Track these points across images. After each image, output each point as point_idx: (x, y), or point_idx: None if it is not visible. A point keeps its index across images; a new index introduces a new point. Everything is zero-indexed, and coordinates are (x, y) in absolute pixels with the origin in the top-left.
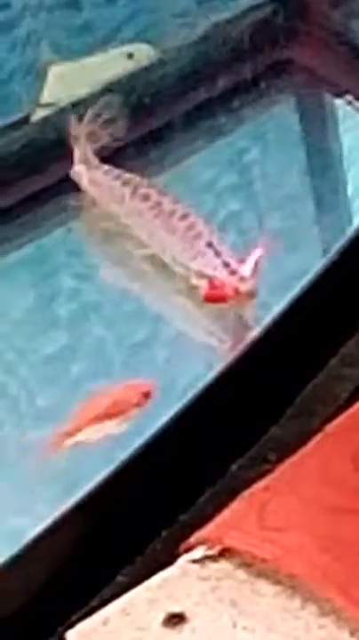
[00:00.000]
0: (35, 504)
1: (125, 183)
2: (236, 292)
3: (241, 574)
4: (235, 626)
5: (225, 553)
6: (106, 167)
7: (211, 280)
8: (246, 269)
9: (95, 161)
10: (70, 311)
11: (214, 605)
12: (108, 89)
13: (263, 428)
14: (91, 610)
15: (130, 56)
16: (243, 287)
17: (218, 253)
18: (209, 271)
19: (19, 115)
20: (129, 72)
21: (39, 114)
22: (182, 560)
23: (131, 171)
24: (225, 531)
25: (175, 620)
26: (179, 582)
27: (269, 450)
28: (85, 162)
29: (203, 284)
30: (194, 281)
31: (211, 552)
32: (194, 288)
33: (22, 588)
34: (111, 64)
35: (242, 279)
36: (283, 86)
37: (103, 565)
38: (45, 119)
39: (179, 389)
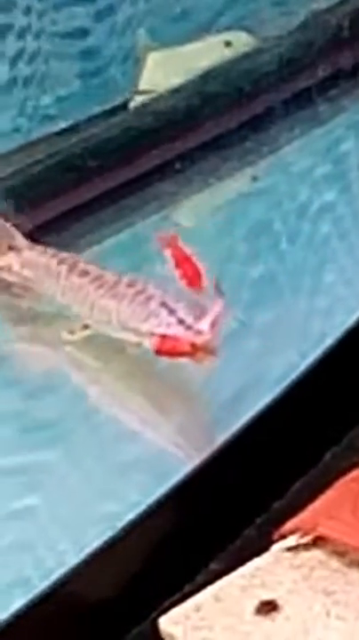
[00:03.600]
0: (130, 489)
1: (61, 262)
2: (193, 346)
3: (334, 563)
4: (328, 614)
5: (318, 541)
6: (39, 247)
7: (162, 334)
8: (204, 324)
9: (26, 243)
10: None
11: (307, 594)
12: (206, 76)
13: (357, 417)
14: (184, 596)
15: (228, 44)
16: (200, 340)
17: (172, 311)
18: (162, 329)
19: (118, 101)
20: (226, 60)
21: (137, 100)
22: (275, 548)
23: (229, 159)
24: (319, 519)
25: (268, 607)
26: (272, 570)
27: None
28: (13, 248)
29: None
30: (146, 343)
31: (304, 540)
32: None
33: (116, 573)
34: (209, 51)
35: (198, 332)
36: None
37: (196, 552)
38: (143, 106)
39: (271, 380)
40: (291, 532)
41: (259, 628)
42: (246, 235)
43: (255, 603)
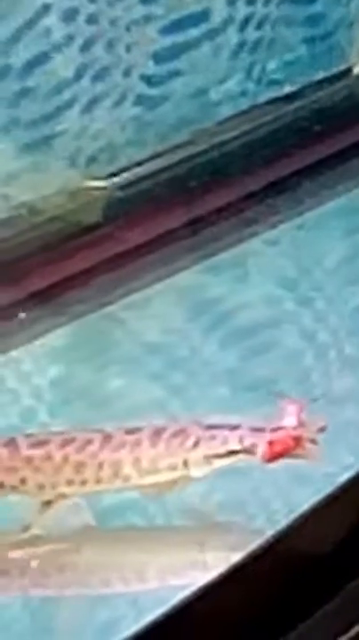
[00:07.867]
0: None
1: None
2: (298, 440)
3: None
4: None
5: None
6: None
7: (268, 441)
8: (289, 421)
9: None
10: None
11: None
12: None
13: None
14: None
15: None
16: (307, 432)
17: (234, 427)
18: (234, 444)
19: (342, 67)
20: None
21: None
22: None
23: None
24: None
25: None
26: None
27: None
28: None
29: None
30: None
31: None
32: None
33: (332, 530)
34: None
35: (303, 423)
36: None
37: None
38: None
39: None
40: None
41: None
42: None
43: None
